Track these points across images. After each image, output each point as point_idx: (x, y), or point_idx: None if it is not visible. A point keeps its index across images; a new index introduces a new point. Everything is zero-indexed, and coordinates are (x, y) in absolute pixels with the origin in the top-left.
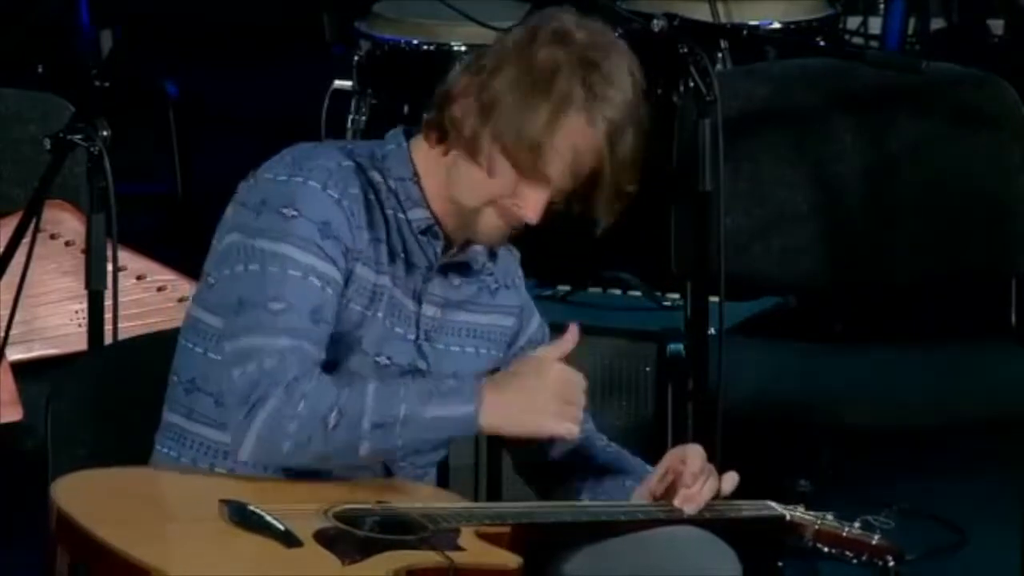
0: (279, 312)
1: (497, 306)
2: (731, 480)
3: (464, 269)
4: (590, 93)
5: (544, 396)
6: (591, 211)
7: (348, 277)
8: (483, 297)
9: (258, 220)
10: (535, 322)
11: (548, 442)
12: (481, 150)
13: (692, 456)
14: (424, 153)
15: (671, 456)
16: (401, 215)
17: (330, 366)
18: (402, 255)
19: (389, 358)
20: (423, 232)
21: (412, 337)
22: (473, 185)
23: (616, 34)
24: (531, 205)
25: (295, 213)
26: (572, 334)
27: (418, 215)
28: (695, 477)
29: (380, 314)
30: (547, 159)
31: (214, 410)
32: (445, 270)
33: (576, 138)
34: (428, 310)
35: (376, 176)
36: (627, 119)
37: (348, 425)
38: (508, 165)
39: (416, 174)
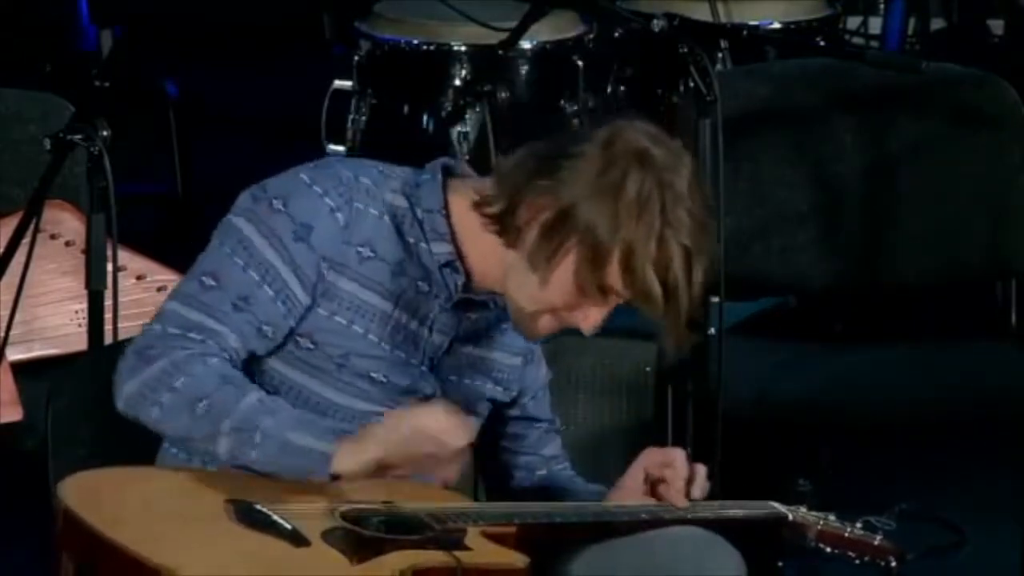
0: (207, 287)
1: (506, 344)
2: (702, 475)
3: (482, 305)
4: (667, 223)
5: (403, 445)
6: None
7: (326, 289)
8: (495, 333)
9: (250, 203)
10: (541, 371)
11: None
12: (543, 265)
13: (680, 462)
14: (463, 207)
15: (648, 459)
16: (424, 245)
17: (324, 376)
18: (419, 283)
19: (386, 376)
20: (444, 265)
21: (415, 362)
22: (532, 293)
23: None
24: (591, 321)
25: (281, 207)
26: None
27: (442, 249)
28: (685, 480)
29: (372, 336)
30: (619, 285)
31: None
32: (463, 304)
33: (651, 266)
34: (437, 339)
35: (400, 201)
36: (700, 243)
37: (211, 419)
38: (573, 283)
39: (446, 208)
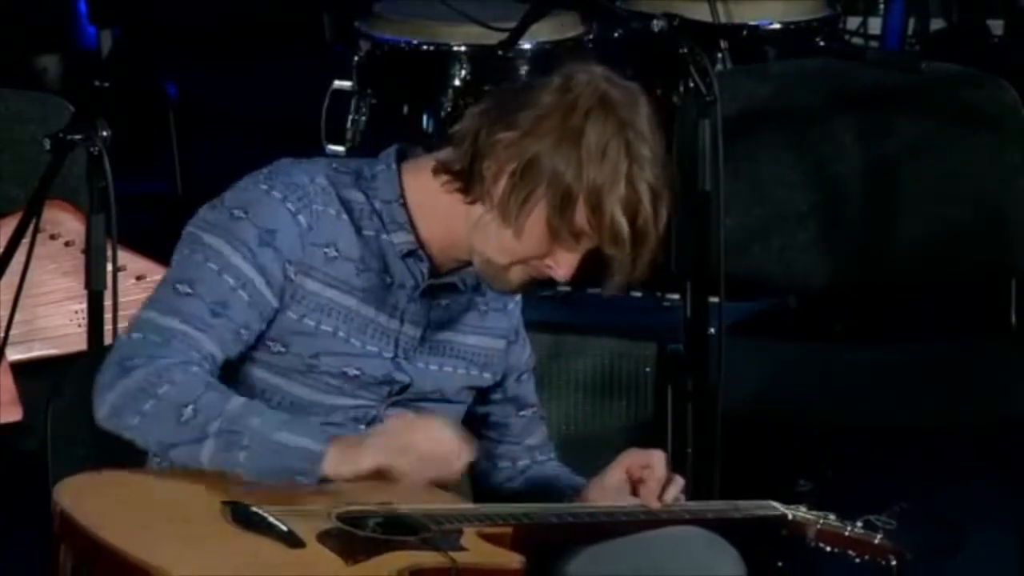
0: (183, 295)
1: (486, 328)
2: (677, 485)
3: (451, 289)
4: (634, 162)
5: (407, 439)
6: (610, 271)
7: (293, 292)
8: (471, 318)
9: (210, 214)
10: (526, 352)
11: (493, 467)
12: (514, 214)
13: (657, 463)
14: (421, 182)
15: (630, 459)
16: (384, 236)
17: (296, 376)
18: (382, 275)
19: (359, 369)
20: (407, 255)
21: (389, 355)
22: (504, 245)
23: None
24: (565, 266)
25: (243, 215)
26: None
27: (401, 239)
28: (660, 482)
29: (341, 333)
30: (588, 228)
31: None
32: (433, 290)
33: (620, 207)
34: (409, 329)
35: (357, 196)
36: (664, 179)
37: (198, 423)
38: (545, 230)
39: (403, 197)
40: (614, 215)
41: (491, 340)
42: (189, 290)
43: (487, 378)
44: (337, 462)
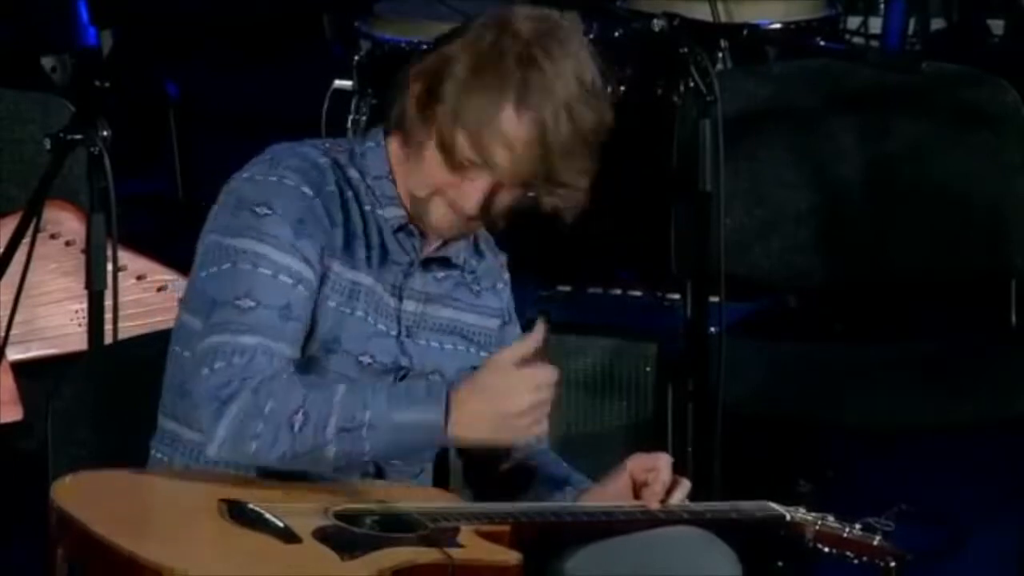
0: (247, 310)
1: (481, 306)
2: (684, 488)
3: (446, 263)
4: (524, 86)
5: (513, 404)
6: (552, 206)
7: (324, 274)
8: (466, 295)
9: (233, 219)
10: (517, 332)
11: (503, 454)
12: (420, 143)
13: (663, 467)
14: (396, 150)
15: (634, 463)
16: (379, 211)
17: (310, 366)
18: (381, 251)
19: (372, 357)
20: (399, 230)
21: (394, 333)
22: (421, 174)
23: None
24: (469, 195)
25: (268, 211)
26: (538, 331)
27: (392, 213)
28: (664, 486)
29: (360, 312)
30: (480, 150)
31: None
32: (427, 264)
33: (510, 131)
34: (409, 305)
35: (354, 173)
36: (564, 111)
37: (314, 428)
38: (441, 158)
39: (391, 172)
40: (491, 141)
41: (487, 319)
42: (252, 303)
43: (484, 357)
44: (456, 432)
